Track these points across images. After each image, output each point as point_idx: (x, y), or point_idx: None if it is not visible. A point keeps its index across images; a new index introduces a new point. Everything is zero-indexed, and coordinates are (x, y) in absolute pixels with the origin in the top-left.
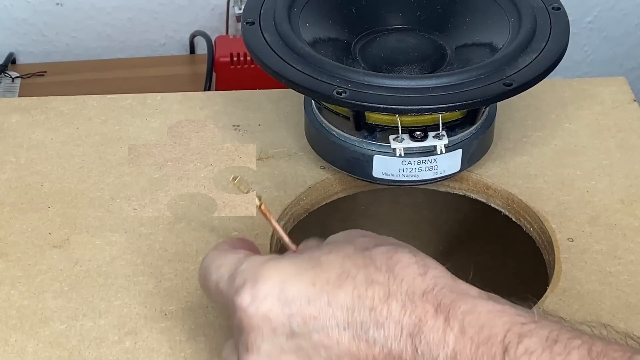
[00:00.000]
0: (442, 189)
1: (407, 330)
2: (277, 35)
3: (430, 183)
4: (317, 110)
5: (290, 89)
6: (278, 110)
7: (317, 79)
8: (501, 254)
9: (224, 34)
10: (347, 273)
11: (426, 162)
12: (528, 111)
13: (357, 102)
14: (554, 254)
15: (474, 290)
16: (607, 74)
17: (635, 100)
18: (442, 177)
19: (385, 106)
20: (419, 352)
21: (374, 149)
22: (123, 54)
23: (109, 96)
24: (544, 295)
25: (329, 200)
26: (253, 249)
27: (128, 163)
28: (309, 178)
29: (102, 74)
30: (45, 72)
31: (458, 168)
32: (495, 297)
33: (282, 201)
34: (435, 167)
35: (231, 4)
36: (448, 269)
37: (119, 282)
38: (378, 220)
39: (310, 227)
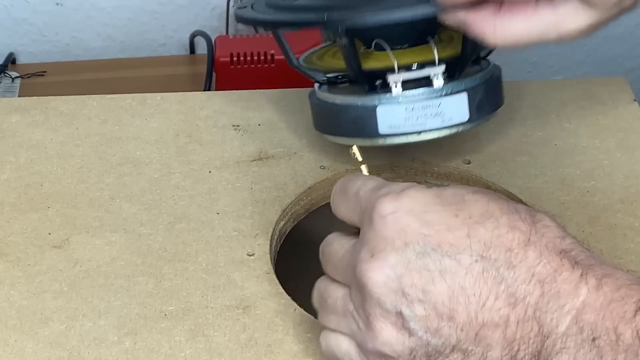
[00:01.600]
0: None
1: (538, 277)
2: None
3: (438, 131)
4: (320, 91)
5: (290, 89)
6: (278, 110)
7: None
8: None
9: (224, 34)
10: (491, 213)
11: (431, 107)
12: (528, 111)
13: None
14: None
15: (610, 263)
16: (607, 74)
17: (635, 100)
18: (451, 126)
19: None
20: (546, 299)
21: (375, 102)
22: (123, 54)
23: (109, 96)
24: None
25: (329, 200)
26: None
27: (128, 163)
28: (309, 178)
29: (102, 74)
30: (45, 72)
31: (466, 116)
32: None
33: (282, 201)
34: (442, 114)
35: (231, 4)
36: None
37: (118, 282)
38: None
39: (310, 227)
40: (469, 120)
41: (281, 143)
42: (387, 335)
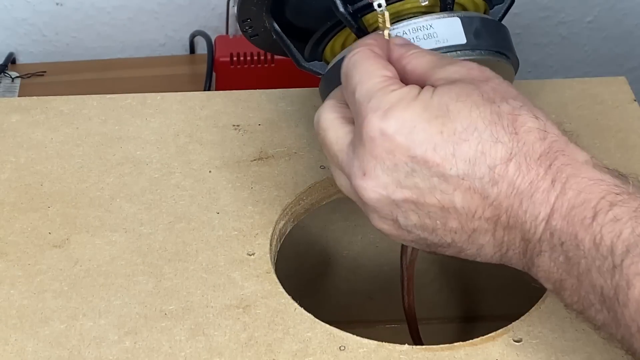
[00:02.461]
0: None
1: (518, 190)
2: None
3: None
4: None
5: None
6: (278, 110)
7: None
8: None
9: (224, 34)
10: (474, 126)
11: (421, 29)
12: None
13: None
14: None
15: (583, 156)
16: (607, 74)
17: (635, 100)
18: (447, 47)
19: None
20: (523, 208)
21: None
22: (123, 54)
23: (109, 96)
24: (544, 295)
25: (329, 200)
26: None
27: (128, 163)
28: (309, 178)
29: (102, 74)
30: (45, 72)
31: (463, 39)
32: (601, 165)
33: (282, 201)
34: (435, 35)
35: (231, 4)
36: (448, 268)
37: (119, 281)
38: None
39: (310, 227)
40: (468, 45)
41: (281, 143)
42: (387, 229)
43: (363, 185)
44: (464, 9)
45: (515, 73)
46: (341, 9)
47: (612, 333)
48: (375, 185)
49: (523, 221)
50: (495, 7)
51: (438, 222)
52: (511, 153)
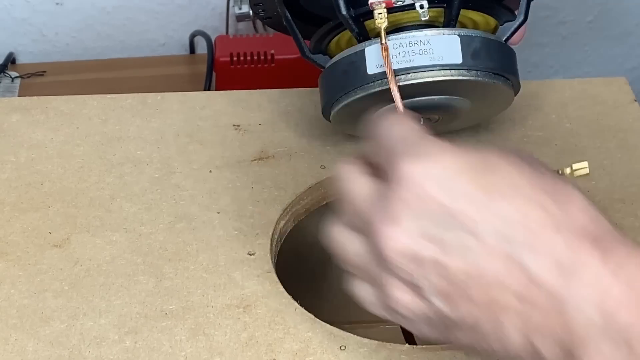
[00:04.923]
0: None
1: (561, 265)
2: None
3: (428, 71)
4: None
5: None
6: (278, 110)
7: None
8: None
9: (224, 34)
10: (518, 187)
11: (418, 44)
12: (528, 111)
13: None
14: None
15: (630, 241)
16: (607, 74)
17: (635, 100)
18: (442, 65)
19: None
20: (567, 283)
21: (364, 45)
22: (123, 54)
23: (109, 96)
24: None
25: (329, 200)
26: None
27: (128, 162)
28: (309, 178)
29: (102, 74)
30: (45, 72)
31: (459, 59)
32: None
33: (282, 201)
34: (431, 51)
35: (231, 4)
36: None
37: (119, 281)
38: None
39: (310, 227)
40: (463, 65)
41: (281, 143)
42: (404, 300)
43: (388, 233)
44: (474, 23)
45: (516, 95)
46: (343, 12)
47: None
48: (401, 233)
49: (565, 302)
50: (506, 23)
51: (461, 290)
52: (554, 221)
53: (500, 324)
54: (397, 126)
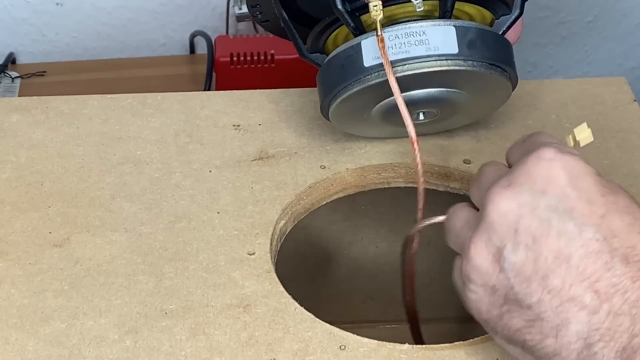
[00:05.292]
0: (442, 189)
1: None
2: None
3: (424, 62)
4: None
5: (290, 89)
6: (278, 110)
7: None
8: None
9: (224, 34)
10: (633, 212)
11: (414, 35)
12: (528, 111)
13: None
14: None
15: None
16: (607, 74)
17: (635, 100)
18: (438, 55)
19: None
20: None
21: (361, 39)
22: (123, 54)
23: (109, 96)
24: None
25: (329, 200)
26: None
27: (128, 162)
28: (309, 178)
29: (102, 74)
30: (45, 72)
31: (455, 49)
32: None
33: (282, 201)
34: (427, 42)
35: (231, 4)
36: (448, 269)
37: (119, 281)
38: (378, 220)
39: (310, 226)
40: (459, 55)
41: (281, 143)
42: (479, 262)
43: (500, 193)
44: (469, 17)
45: (513, 89)
46: (339, 6)
47: None
48: (513, 198)
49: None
50: (502, 17)
51: (541, 271)
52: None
53: (566, 320)
54: (542, 136)
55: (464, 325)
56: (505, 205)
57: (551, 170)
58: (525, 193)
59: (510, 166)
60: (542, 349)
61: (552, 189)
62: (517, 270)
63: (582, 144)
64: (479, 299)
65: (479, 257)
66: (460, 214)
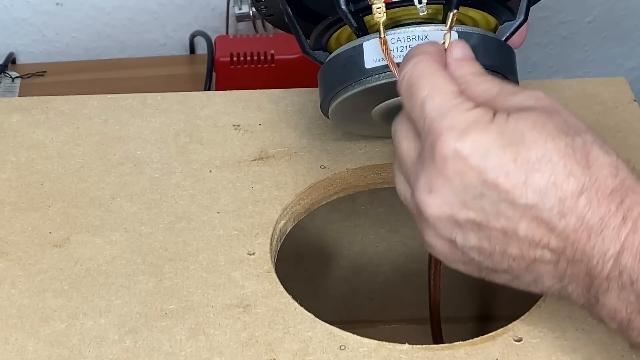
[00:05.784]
0: None
1: (587, 225)
2: None
3: None
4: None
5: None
6: (278, 110)
7: None
8: None
9: (224, 34)
10: (548, 157)
11: (416, 39)
12: None
13: None
14: None
15: None
16: (607, 74)
17: (635, 100)
18: None
19: None
20: (592, 244)
21: (362, 40)
22: (123, 54)
23: (109, 96)
24: (544, 295)
25: (329, 200)
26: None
27: (128, 162)
28: (309, 178)
29: (102, 74)
30: (45, 72)
31: None
32: None
33: (282, 201)
34: None
35: (231, 4)
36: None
37: (119, 281)
38: (378, 220)
39: (310, 227)
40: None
41: (281, 143)
42: (440, 251)
43: (428, 201)
44: (474, 22)
45: None
46: (343, 6)
47: None
48: (441, 203)
49: (590, 256)
50: (506, 23)
51: (497, 247)
52: (583, 187)
53: (539, 274)
54: (432, 91)
55: (476, 325)
56: (437, 210)
57: (459, 164)
58: (448, 194)
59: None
60: (528, 289)
61: (469, 180)
62: (477, 250)
63: None
64: (457, 268)
65: (438, 249)
66: (406, 148)
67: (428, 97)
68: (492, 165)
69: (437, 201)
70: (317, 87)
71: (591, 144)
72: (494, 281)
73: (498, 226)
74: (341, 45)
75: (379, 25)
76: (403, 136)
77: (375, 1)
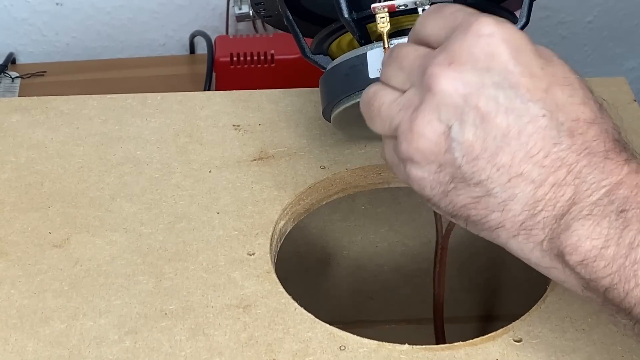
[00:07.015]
0: None
1: (590, 151)
2: None
3: None
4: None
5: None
6: (278, 110)
7: None
8: (502, 254)
9: (224, 34)
10: (571, 81)
11: None
12: None
13: None
14: None
15: None
16: (607, 74)
17: (635, 100)
18: None
19: None
20: (589, 170)
21: (367, 49)
22: (123, 54)
23: (109, 96)
24: (544, 295)
25: (329, 200)
26: None
27: (128, 163)
28: (309, 178)
29: (102, 74)
30: (45, 72)
31: None
32: None
33: (282, 201)
34: None
35: (231, 4)
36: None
37: (119, 281)
38: (378, 220)
39: (310, 227)
40: None
41: (281, 143)
42: (424, 143)
43: (444, 73)
44: None
45: None
46: (346, 15)
47: None
48: (457, 77)
49: (583, 181)
50: None
51: (489, 149)
52: (595, 119)
53: (513, 195)
54: (462, 7)
55: (478, 325)
56: (451, 85)
57: (492, 46)
58: (470, 71)
59: (429, 43)
60: (486, 223)
61: (495, 65)
62: (465, 149)
63: None
64: (421, 177)
65: (423, 139)
66: (383, 96)
67: (460, 7)
68: (522, 60)
69: (453, 74)
70: (317, 87)
71: (600, 102)
72: (452, 205)
73: (504, 124)
74: (342, 50)
75: (383, 36)
76: (402, 45)
77: (379, 11)
